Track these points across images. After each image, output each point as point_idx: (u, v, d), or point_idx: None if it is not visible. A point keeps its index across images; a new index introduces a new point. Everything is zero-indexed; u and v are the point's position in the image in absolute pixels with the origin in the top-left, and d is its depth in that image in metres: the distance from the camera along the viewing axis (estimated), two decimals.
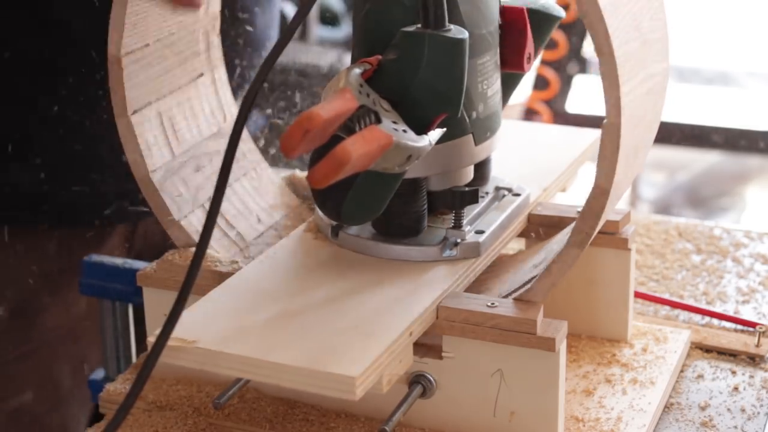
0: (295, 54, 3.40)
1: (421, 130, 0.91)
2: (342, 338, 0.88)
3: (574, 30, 3.54)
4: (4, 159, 1.28)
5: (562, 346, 0.93)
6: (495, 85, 1.03)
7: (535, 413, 0.95)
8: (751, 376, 1.10)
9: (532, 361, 0.93)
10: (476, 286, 1.03)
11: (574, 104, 3.76)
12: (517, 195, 1.10)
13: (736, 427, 1.02)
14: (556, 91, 3.63)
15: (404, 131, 0.89)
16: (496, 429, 0.96)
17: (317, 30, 3.57)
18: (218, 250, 1.06)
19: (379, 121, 0.88)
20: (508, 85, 1.10)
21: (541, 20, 1.08)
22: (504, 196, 1.10)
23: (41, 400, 1.36)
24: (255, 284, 0.97)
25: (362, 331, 0.89)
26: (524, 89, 3.65)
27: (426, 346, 0.97)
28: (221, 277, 1.00)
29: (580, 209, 1.11)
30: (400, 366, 0.89)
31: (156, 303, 1.05)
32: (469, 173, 1.05)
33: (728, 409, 1.04)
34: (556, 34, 3.56)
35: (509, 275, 1.04)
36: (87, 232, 1.33)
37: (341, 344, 0.87)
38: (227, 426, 1.01)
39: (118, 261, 1.22)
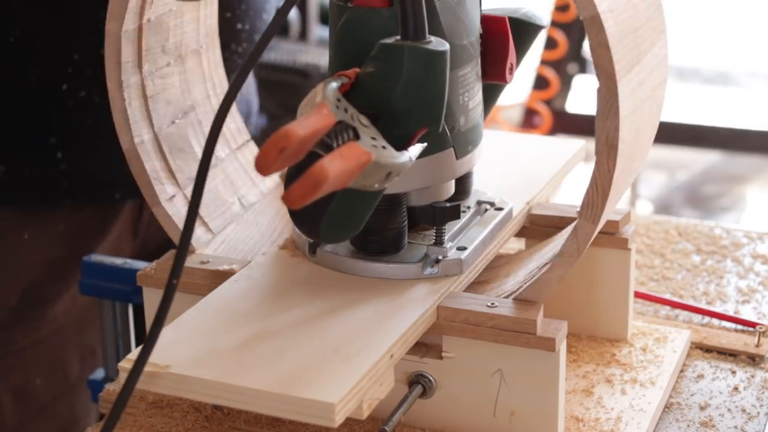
0: (295, 54, 3.40)
1: (400, 145, 0.88)
2: (320, 362, 0.85)
3: (574, 30, 3.54)
4: (15, 140, 1.28)
5: (562, 346, 0.93)
6: (476, 97, 1.00)
7: (535, 413, 0.95)
8: (751, 376, 1.10)
9: (532, 361, 0.93)
10: (476, 286, 1.02)
11: (574, 104, 3.76)
12: (500, 209, 1.07)
13: (736, 427, 1.02)
14: (556, 91, 3.63)
15: (383, 147, 0.86)
16: (496, 429, 0.96)
17: (317, 30, 3.57)
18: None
19: (357, 137, 0.85)
20: (490, 96, 1.06)
21: (523, 29, 1.05)
22: (486, 210, 1.06)
23: (50, 388, 1.37)
24: (229, 305, 0.94)
25: (341, 354, 0.86)
26: (524, 89, 3.65)
27: (426, 346, 0.97)
28: (219, 276, 1.00)
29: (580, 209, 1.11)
30: (380, 390, 0.86)
31: (156, 303, 1.04)
32: (451, 188, 1.02)
33: (728, 409, 1.04)
34: (556, 34, 3.56)
35: (509, 275, 1.04)
36: (94, 212, 1.33)
37: (319, 368, 0.84)
38: (227, 426, 1.01)
39: (118, 261, 1.22)
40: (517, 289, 0.97)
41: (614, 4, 0.89)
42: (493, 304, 0.94)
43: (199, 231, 1.07)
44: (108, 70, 1.01)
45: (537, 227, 1.12)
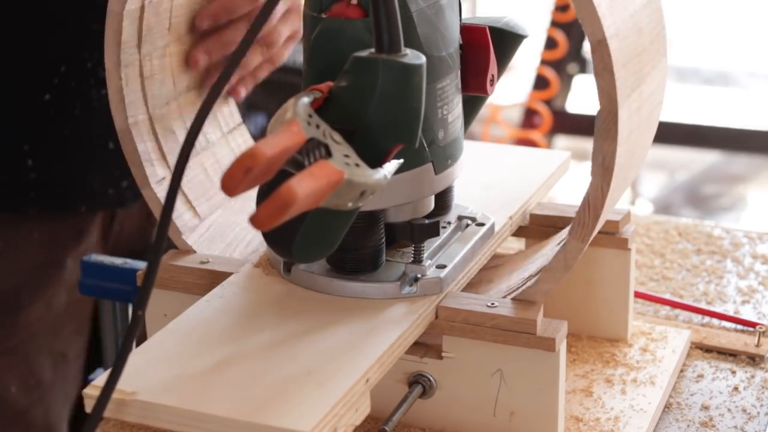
0: (295, 54, 3.40)
1: (375, 162, 0.84)
2: (292, 387, 0.82)
3: (574, 30, 3.54)
4: None
5: (562, 346, 0.93)
6: (456, 110, 0.97)
7: (535, 413, 0.95)
8: (751, 376, 1.10)
9: (532, 361, 0.93)
10: (476, 286, 1.02)
11: (574, 104, 3.76)
12: (482, 225, 1.03)
13: (736, 427, 1.02)
14: (556, 91, 3.63)
15: (357, 165, 0.82)
16: (496, 429, 0.96)
17: None
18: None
19: (329, 154, 0.81)
20: (471, 108, 1.03)
21: (505, 39, 1.02)
22: (467, 225, 1.03)
23: (24, 395, 1.36)
24: (200, 327, 0.91)
25: (314, 379, 0.82)
26: (524, 89, 3.65)
27: (426, 346, 0.97)
28: (218, 276, 1.00)
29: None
30: (356, 416, 0.82)
31: (156, 303, 1.04)
32: (430, 203, 0.99)
33: (728, 409, 1.04)
34: (556, 34, 3.56)
35: (509, 275, 1.04)
36: (67, 220, 1.33)
37: (291, 394, 0.81)
38: None
39: (118, 261, 1.22)
40: (517, 288, 0.97)
41: (621, 28, 0.88)
42: (493, 304, 0.94)
43: (186, 215, 1.06)
44: (107, 50, 1.00)
45: (537, 227, 1.12)
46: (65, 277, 1.32)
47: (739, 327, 1.19)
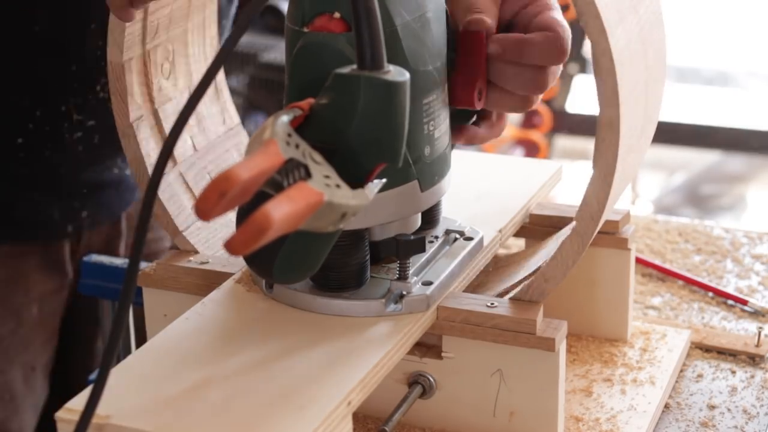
0: None
1: (358, 182, 0.81)
2: (270, 411, 0.79)
3: (574, 30, 3.55)
4: None
5: (562, 346, 0.93)
6: (443, 125, 0.95)
7: (535, 413, 0.95)
8: (751, 376, 1.10)
9: (532, 361, 0.93)
10: (476, 286, 1.02)
11: (574, 104, 3.77)
12: (470, 239, 1.01)
13: (736, 427, 1.02)
14: (556, 91, 3.64)
15: (337, 186, 0.79)
16: (496, 429, 0.96)
17: None
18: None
19: (309, 175, 0.78)
20: (459, 122, 1.01)
21: None
22: (455, 240, 1.01)
23: (1, 409, 1.34)
24: (178, 346, 0.89)
25: (293, 403, 0.80)
26: None
27: (426, 346, 0.97)
28: (218, 277, 1.00)
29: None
30: None
31: (156, 303, 1.05)
32: (416, 221, 0.98)
33: (728, 409, 1.05)
34: None
35: (509, 275, 1.04)
36: (32, 247, 1.32)
37: (269, 418, 0.79)
38: None
39: (118, 261, 1.22)
40: (514, 286, 0.97)
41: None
42: (493, 304, 0.94)
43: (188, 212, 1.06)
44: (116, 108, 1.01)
45: (537, 227, 1.12)
46: (35, 288, 1.32)
47: (740, 327, 1.19)
